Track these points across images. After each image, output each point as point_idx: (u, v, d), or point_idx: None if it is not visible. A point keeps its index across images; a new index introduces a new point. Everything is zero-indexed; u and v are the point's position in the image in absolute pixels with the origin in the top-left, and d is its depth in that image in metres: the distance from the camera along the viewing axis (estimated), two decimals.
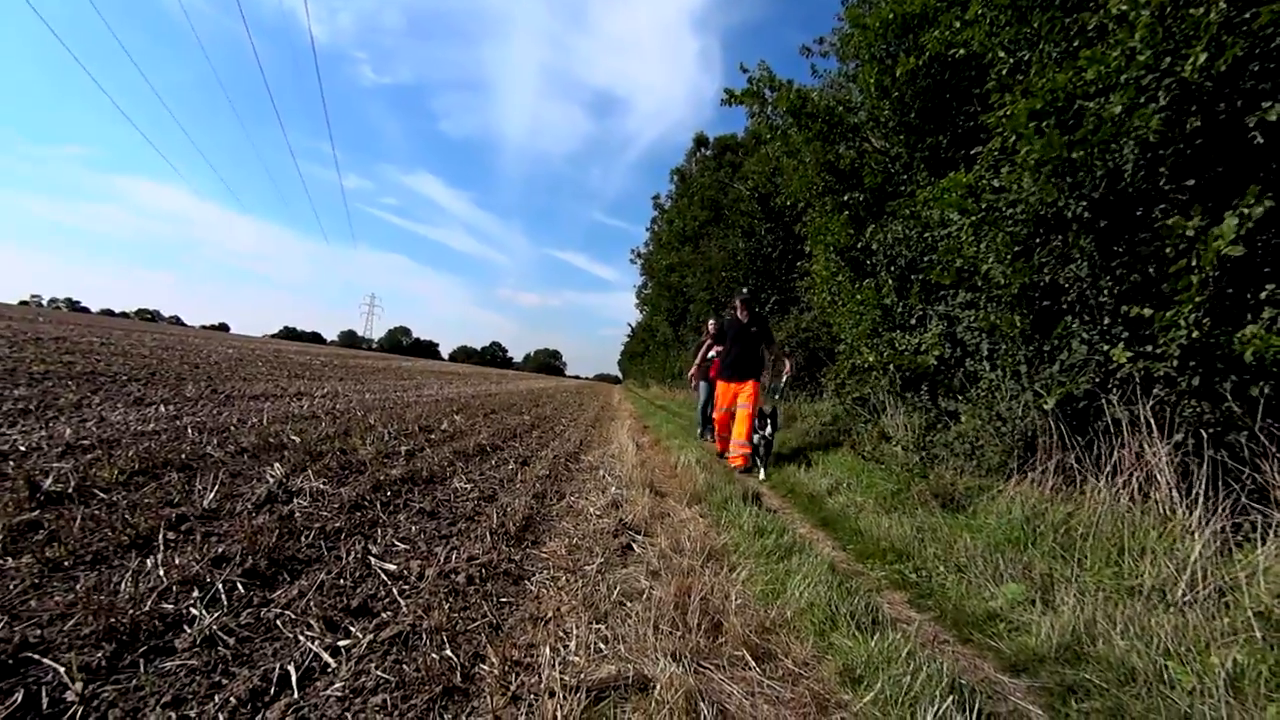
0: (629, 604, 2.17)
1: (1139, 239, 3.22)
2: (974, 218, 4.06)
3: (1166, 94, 2.91)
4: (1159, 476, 2.72)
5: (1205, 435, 2.76)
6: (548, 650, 1.78)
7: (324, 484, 3.34)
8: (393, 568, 2.35)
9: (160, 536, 2.31)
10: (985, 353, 4.32)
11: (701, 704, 1.55)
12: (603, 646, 1.85)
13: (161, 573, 2.01)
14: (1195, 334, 2.74)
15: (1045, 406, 3.50)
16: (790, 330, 9.32)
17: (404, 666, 1.66)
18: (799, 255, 10.98)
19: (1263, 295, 2.73)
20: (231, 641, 1.69)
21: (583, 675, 1.65)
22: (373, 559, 2.41)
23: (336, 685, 1.54)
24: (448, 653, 1.74)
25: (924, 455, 4.59)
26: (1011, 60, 4.31)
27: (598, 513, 3.49)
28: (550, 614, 2.10)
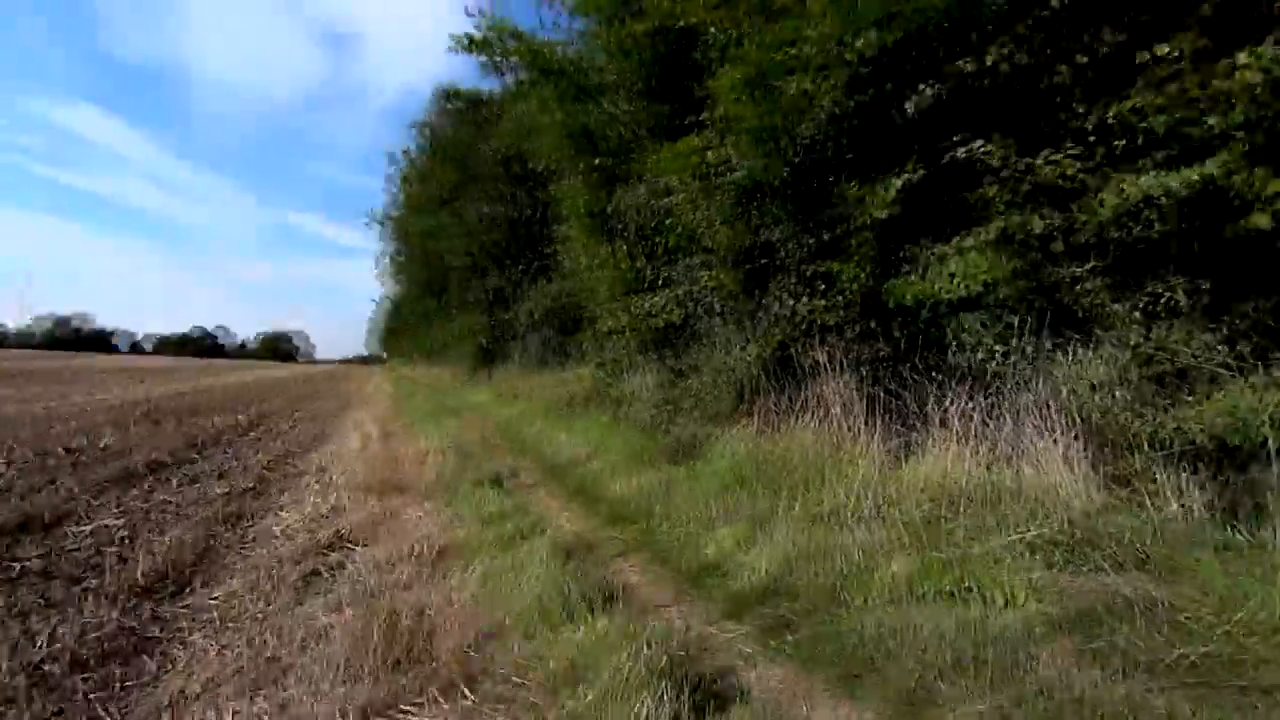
0: (315, 647, 1.75)
1: (831, 202, 3.63)
2: (694, 185, 4.25)
3: (843, 67, 3.24)
4: (834, 410, 3.12)
5: (876, 372, 3.24)
6: None
7: None
8: None
9: None
10: (717, 310, 4.61)
11: None
12: None
13: None
14: (869, 283, 3.18)
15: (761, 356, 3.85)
16: (541, 299, 9.15)
17: None
18: (556, 219, 10.79)
19: (917, 250, 3.27)
20: None
21: None
22: None
23: None
24: None
25: (668, 411, 4.80)
26: (724, 36, 4.53)
27: (308, 527, 2.91)
28: (199, 689, 1.59)
